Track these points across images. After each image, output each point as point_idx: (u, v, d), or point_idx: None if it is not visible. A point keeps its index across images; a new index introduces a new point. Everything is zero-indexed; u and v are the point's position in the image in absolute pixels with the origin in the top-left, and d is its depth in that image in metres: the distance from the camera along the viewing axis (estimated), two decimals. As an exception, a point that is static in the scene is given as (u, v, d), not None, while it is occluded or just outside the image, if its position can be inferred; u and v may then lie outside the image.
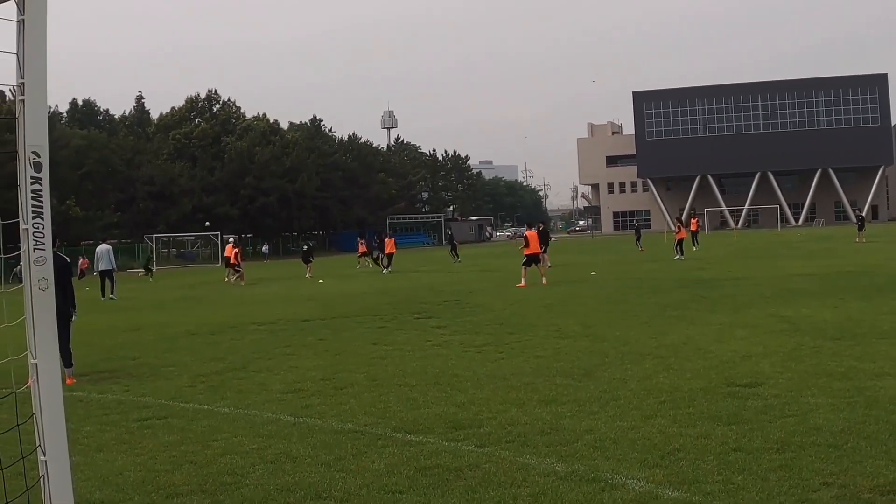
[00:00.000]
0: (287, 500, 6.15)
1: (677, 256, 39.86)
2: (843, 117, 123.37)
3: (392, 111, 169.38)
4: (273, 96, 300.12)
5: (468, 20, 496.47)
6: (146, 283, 45.92)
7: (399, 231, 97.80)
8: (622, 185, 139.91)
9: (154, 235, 77.72)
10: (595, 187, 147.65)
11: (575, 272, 33.28)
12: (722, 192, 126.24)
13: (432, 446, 7.49)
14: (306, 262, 44.63)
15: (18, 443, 4.18)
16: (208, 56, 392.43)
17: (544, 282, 27.31)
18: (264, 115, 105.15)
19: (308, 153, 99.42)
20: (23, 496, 4.16)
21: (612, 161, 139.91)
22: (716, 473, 6.24)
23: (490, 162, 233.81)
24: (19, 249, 3.87)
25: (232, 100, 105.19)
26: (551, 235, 51.92)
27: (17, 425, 3.89)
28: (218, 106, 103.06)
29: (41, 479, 3.74)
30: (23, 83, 3.79)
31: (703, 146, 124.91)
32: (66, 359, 12.38)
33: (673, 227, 45.56)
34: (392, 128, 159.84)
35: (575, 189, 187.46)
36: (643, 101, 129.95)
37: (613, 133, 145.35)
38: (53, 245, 12.42)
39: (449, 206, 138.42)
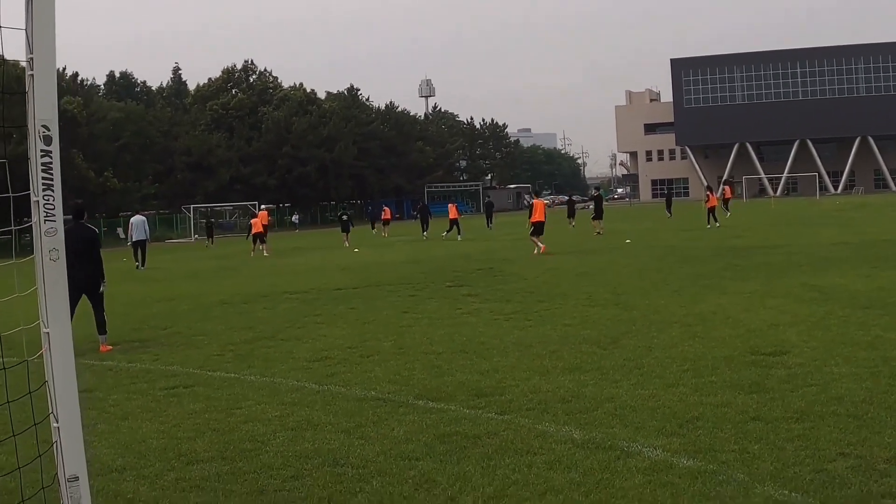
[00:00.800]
0: (305, 467, 6.22)
1: (710, 225, 39.36)
2: (882, 84, 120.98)
3: (430, 80, 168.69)
4: (310, 69, 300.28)
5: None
6: (190, 250, 46.42)
7: (436, 199, 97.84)
8: (660, 152, 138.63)
9: (192, 206, 78.27)
10: (633, 155, 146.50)
11: (611, 240, 33.18)
12: (760, 160, 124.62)
13: (453, 413, 7.55)
14: (346, 230, 44.90)
15: (31, 409, 4.28)
16: (244, 32, 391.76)
17: (537, 252, 27.28)
18: (301, 84, 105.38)
19: (345, 122, 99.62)
20: (35, 461, 4.26)
21: (650, 129, 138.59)
22: (732, 442, 6.23)
23: (528, 130, 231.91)
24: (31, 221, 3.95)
25: (268, 70, 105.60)
26: (589, 204, 51.32)
27: (30, 392, 3.99)
28: (254, 76, 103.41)
29: (54, 445, 3.84)
30: (31, 58, 3.85)
31: (742, 113, 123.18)
32: (101, 326, 12.65)
33: (704, 196, 44.98)
34: (430, 96, 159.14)
35: (613, 157, 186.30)
36: (681, 69, 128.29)
37: (651, 101, 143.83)
38: (81, 217, 12.52)
39: (487, 175, 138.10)
